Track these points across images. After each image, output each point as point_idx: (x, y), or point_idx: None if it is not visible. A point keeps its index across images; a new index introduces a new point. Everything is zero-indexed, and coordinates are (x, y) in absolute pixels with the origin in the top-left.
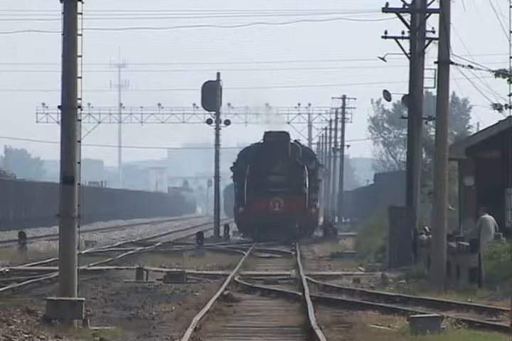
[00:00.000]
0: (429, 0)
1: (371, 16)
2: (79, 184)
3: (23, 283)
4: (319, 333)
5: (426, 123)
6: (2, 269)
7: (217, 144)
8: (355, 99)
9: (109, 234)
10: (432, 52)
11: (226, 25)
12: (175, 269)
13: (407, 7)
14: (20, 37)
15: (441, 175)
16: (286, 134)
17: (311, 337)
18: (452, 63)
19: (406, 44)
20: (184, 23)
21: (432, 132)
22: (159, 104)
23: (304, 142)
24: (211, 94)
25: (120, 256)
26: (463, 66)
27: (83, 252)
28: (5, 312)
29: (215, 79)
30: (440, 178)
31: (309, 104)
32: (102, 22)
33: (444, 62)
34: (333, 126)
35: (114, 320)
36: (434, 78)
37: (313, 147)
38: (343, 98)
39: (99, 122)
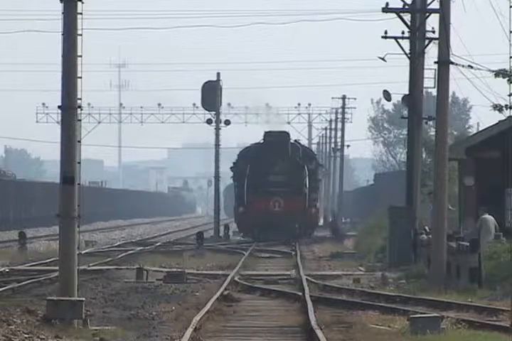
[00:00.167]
0: (429, 0)
1: (371, 16)
2: (79, 184)
3: (23, 283)
4: (319, 333)
5: (426, 123)
6: (2, 269)
7: (217, 144)
8: (355, 99)
9: (109, 234)
10: (432, 52)
11: (226, 25)
12: (175, 269)
13: (407, 7)
14: (20, 37)
15: (441, 175)
16: (286, 134)
17: (311, 337)
18: (452, 63)
19: (406, 44)
20: (184, 23)
21: (432, 132)
22: (159, 104)
23: (304, 142)
24: (211, 94)
25: (120, 256)
26: (463, 66)
27: (83, 252)
28: (5, 312)
29: (215, 79)
30: (440, 178)
31: (309, 104)
32: (102, 22)
33: (444, 62)
34: (333, 126)
35: (114, 320)
36: (434, 78)
37: (313, 147)
38: (343, 98)
39: (99, 122)
